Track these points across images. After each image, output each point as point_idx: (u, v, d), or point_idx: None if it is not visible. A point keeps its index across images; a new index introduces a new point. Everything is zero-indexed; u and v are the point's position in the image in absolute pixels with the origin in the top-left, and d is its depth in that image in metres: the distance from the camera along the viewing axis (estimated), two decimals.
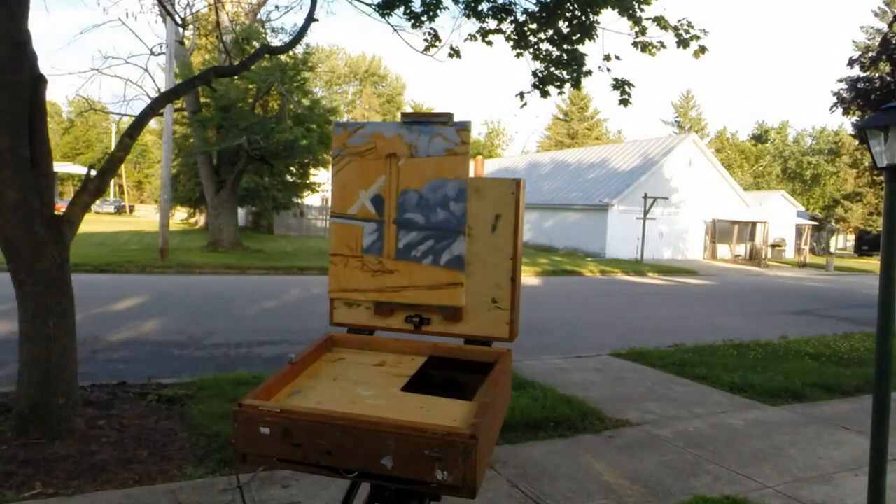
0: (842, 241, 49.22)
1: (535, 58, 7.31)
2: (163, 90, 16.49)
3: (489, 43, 7.51)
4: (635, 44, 6.91)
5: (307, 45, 21.79)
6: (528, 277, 17.91)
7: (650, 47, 6.93)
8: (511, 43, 7.35)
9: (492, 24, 7.36)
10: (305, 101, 20.09)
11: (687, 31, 6.67)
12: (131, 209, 50.54)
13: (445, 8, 7.19)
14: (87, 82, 58.45)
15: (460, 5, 7.34)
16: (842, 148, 48.94)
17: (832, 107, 17.65)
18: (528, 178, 32.36)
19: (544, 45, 7.23)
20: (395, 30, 8.02)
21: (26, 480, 3.32)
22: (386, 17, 7.43)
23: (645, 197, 25.73)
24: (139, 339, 7.51)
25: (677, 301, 14.23)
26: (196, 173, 23.06)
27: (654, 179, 27.62)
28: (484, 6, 7.28)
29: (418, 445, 1.49)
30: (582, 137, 58.05)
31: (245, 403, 1.64)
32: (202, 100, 19.00)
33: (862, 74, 17.09)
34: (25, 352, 3.91)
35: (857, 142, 27.66)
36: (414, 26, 7.32)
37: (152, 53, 18.21)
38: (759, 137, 64.04)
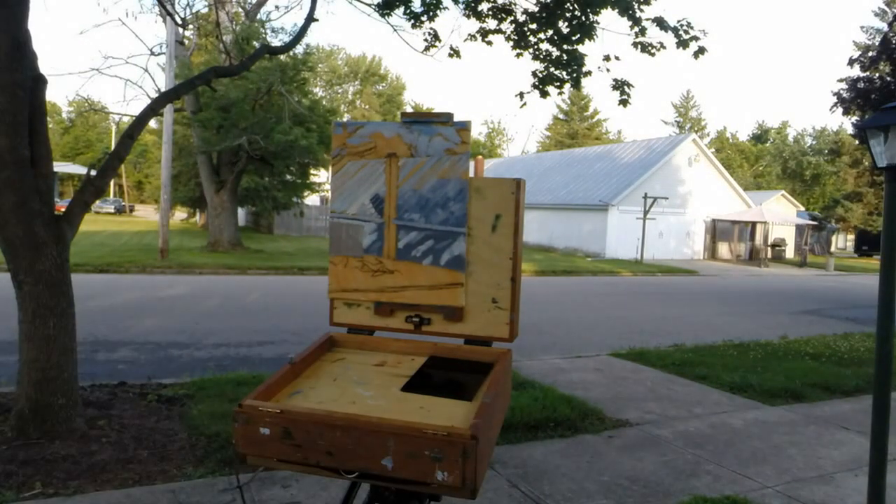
0: (842, 241, 49.23)
1: (535, 58, 7.31)
2: (163, 90, 16.50)
3: (489, 43, 7.51)
4: (635, 44, 6.91)
5: (307, 45, 21.80)
6: (528, 277, 17.91)
7: (650, 48, 6.94)
8: (511, 43, 7.35)
9: (492, 24, 7.37)
10: (305, 102, 20.09)
11: (686, 32, 6.67)
12: (131, 209, 50.53)
13: (445, 8, 7.19)
14: (87, 82, 58.50)
15: (460, 5, 7.35)
16: (842, 148, 48.93)
17: (832, 107, 17.66)
18: (527, 178, 32.36)
19: (544, 46, 7.24)
20: (395, 30, 8.05)
21: (26, 480, 3.32)
22: (386, 17, 7.43)
23: (645, 197, 25.73)
24: (139, 338, 7.51)
25: (677, 301, 14.22)
26: (196, 173, 23.07)
27: (654, 179, 27.62)
28: (484, 6, 7.28)
29: (418, 446, 1.49)
30: (582, 137, 58.05)
31: (245, 404, 1.64)
32: (202, 100, 19.01)
33: (862, 74, 17.10)
34: (25, 352, 3.91)
35: (857, 142, 27.67)
36: (414, 26, 7.33)
37: (152, 53, 18.23)
38: (759, 137, 64.09)
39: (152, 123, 25.74)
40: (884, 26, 23.20)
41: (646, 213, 25.43)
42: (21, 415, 3.90)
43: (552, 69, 7.29)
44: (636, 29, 6.75)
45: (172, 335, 7.78)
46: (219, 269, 15.43)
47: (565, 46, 7.08)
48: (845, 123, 58.23)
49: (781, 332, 9.66)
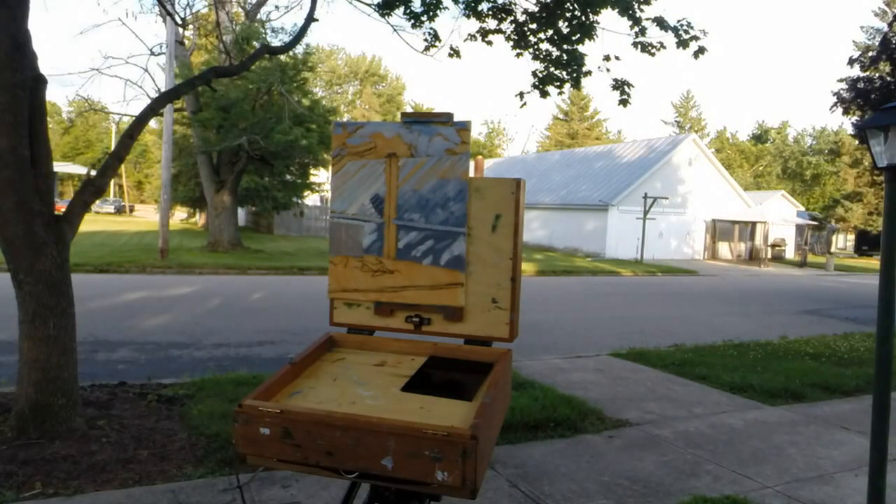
0: (842, 241, 49.25)
1: (535, 58, 7.31)
2: (163, 90, 16.49)
3: (489, 43, 7.51)
4: (635, 44, 6.91)
5: (307, 45, 21.79)
6: (528, 277, 17.90)
7: (650, 48, 6.94)
8: (511, 43, 7.35)
9: (492, 24, 7.37)
10: (305, 102, 20.09)
11: (686, 32, 6.67)
12: (131, 209, 50.53)
13: (445, 8, 7.19)
14: (87, 82, 58.51)
15: (460, 5, 7.34)
16: (842, 148, 48.93)
17: (832, 107, 17.63)
18: (528, 178, 32.36)
19: (544, 46, 7.24)
20: (395, 30, 8.03)
21: (26, 480, 3.32)
22: (386, 17, 7.43)
23: (645, 197, 25.73)
24: (139, 339, 7.51)
25: (677, 301, 14.22)
26: (196, 173, 23.06)
27: (654, 179, 27.63)
28: (484, 6, 7.28)
29: (418, 446, 1.49)
30: (582, 137, 58.05)
31: (245, 404, 1.64)
32: (202, 100, 19.01)
33: (862, 74, 17.08)
34: (25, 352, 3.91)
35: (857, 142, 27.66)
36: (414, 26, 7.32)
37: (152, 53, 18.21)
38: (759, 137, 64.07)
39: (152, 123, 25.74)
40: (884, 26, 23.20)
41: (646, 212, 25.43)
42: (21, 415, 3.90)
43: (552, 69, 7.29)
44: (636, 29, 6.75)
45: (172, 335, 7.78)
46: (219, 269, 15.43)
47: (565, 46, 7.08)
48: (845, 123, 58.24)
49: (781, 332, 9.66)
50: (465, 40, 7.55)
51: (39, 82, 4.00)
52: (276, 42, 18.43)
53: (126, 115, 18.14)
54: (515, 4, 7.22)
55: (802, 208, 41.73)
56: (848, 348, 8.21)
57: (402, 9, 7.21)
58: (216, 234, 19.92)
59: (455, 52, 7.73)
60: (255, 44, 17.31)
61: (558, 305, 12.34)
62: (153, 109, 4.66)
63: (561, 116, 61.55)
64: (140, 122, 4.57)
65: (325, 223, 32.65)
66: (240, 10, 20.50)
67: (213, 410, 4.48)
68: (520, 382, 5.63)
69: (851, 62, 16.96)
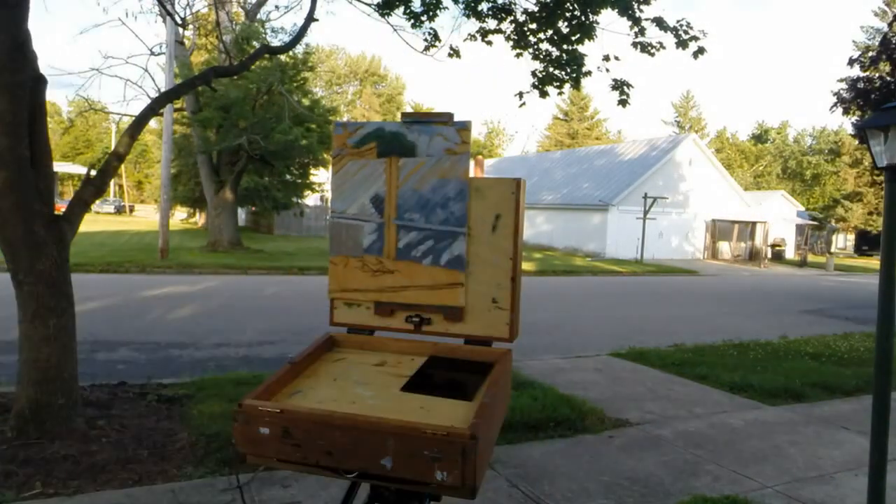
0: (842, 241, 49.26)
1: (535, 58, 7.31)
2: (163, 90, 16.49)
3: (489, 43, 7.51)
4: (635, 44, 6.91)
5: (307, 45, 21.80)
6: (528, 277, 17.90)
7: (649, 48, 6.94)
8: (511, 43, 7.35)
9: (492, 24, 7.36)
10: (305, 101, 20.09)
11: (686, 32, 6.67)
12: (131, 209, 50.53)
13: (445, 8, 7.19)
14: (87, 82, 58.54)
15: (460, 5, 7.34)
16: (842, 148, 48.96)
17: (832, 107, 17.61)
18: (528, 177, 32.36)
19: (544, 46, 7.24)
20: (395, 30, 8.03)
21: (26, 480, 3.32)
22: (386, 17, 7.43)
23: (645, 197, 25.73)
24: (139, 338, 7.51)
25: (677, 301, 14.22)
26: (196, 173, 23.07)
27: (654, 179, 27.62)
28: (484, 6, 7.28)
29: (418, 446, 1.49)
30: (582, 137, 58.04)
31: (245, 403, 1.64)
32: (202, 100, 19.01)
33: (862, 74, 17.06)
34: (25, 352, 3.91)
35: (857, 142, 27.64)
36: (414, 26, 7.32)
37: (152, 53, 18.21)
38: (759, 137, 64.08)
39: (152, 123, 25.73)
40: (884, 26, 23.20)
41: (646, 212, 25.43)
42: (21, 415, 3.90)
43: (552, 69, 7.29)
44: (636, 29, 6.74)
45: (172, 335, 7.77)
46: (219, 269, 15.43)
47: (565, 46, 7.08)
48: (845, 123, 58.23)
49: (781, 332, 9.66)
50: (465, 40, 7.55)
51: (39, 82, 4.00)
52: (276, 42, 18.43)
53: (126, 115, 18.16)
54: (515, 4, 7.22)
55: (802, 208, 41.74)
56: (848, 348, 8.21)
57: (402, 9, 7.21)
58: (216, 234, 19.92)
59: (455, 52, 7.73)
60: (255, 44, 17.31)
61: (558, 305, 12.34)
62: (153, 109, 4.66)
63: (561, 116, 61.53)
64: (140, 122, 4.57)
65: (325, 223, 32.64)
66: (240, 10, 20.50)
67: (213, 410, 4.48)
68: (520, 382, 5.63)
69: (851, 62, 16.94)
